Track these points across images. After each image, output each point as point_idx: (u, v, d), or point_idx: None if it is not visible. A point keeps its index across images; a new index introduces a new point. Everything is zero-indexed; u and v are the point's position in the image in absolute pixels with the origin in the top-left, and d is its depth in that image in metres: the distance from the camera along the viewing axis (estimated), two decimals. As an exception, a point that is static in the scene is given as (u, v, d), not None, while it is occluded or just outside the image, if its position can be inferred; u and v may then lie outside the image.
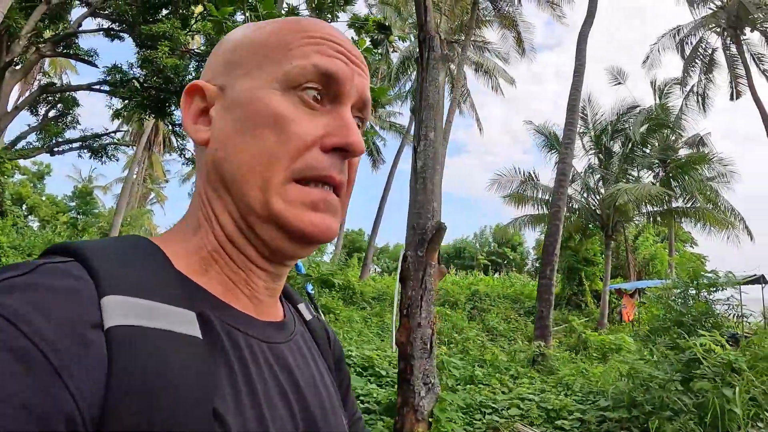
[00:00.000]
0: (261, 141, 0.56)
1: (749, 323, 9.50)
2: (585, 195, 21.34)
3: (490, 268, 41.73)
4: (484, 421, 6.51)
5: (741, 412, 5.10)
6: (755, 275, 16.62)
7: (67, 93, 15.47)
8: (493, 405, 7.05)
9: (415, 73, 23.35)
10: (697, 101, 22.84)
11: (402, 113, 26.76)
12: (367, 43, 8.41)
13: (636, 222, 21.52)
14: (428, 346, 5.74)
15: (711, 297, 7.64)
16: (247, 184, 0.56)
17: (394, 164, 23.18)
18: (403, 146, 22.27)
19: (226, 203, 0.58)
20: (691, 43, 22.89)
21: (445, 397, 5.79)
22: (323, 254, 33.18)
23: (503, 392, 7.79)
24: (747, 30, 22.15)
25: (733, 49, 22.33)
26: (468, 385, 8.17)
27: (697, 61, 22.94)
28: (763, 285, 17.26)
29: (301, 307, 0.76)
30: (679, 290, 7.89)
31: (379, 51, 13.05)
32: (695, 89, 23.08)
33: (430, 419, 5.65)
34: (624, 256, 22.86)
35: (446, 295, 19.40)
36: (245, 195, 0.56)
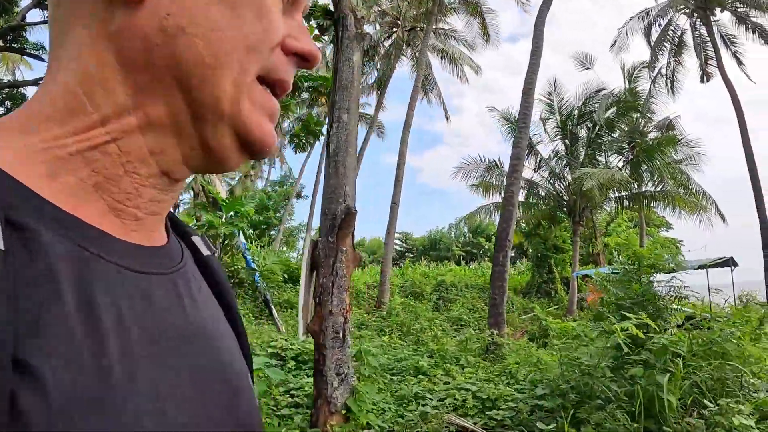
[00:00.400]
0: (242, 21, 0.43)
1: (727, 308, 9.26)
2: (552, 181, 21.18)
3: (465, 258, 41.59)
4: (417, 412, 6.36)
5: (674, 400, 4.89)
6: (724, 258, 16.60)
7: (15, 89, 15.06)
8: (430, 396, 6.92)
9: (380, 63, 23.11)
10: (666, 84, 22.69)
11: (370, 104, 26.48)
12: (315, 30, 8.21)
13: (606, 208, 21.44)
14: (341, 335, 5.53)
15: (650, 279, 7.44)
16: (221, 72, 0.43)
17: (360, 156, 22.92)
18: (369, 136, 22.03)
19: (167, 90, 0.43)
20: (660, 25, 22.71)
21: (361, 389, 5.55)
22: (294, 250, 33.10)
23: (445, 383, 7.65)
24: (717, 11, 22.00)
25: (703, 30, 22.19)
26: (407, 376, 8.03)
27: (666, 43, 22.76)
28: (733, 268, 17.22)
29: (197, 240, 0.59)
30: (619, 272, 7.69)
31: (326, 38, 12.79)
32: (664, 72, 22.93)
33: (344, 411, 5.43)
34: (596, 243, 22.79)
35: (413, 286, 19.31)
36: (214, 86, 0.43)
